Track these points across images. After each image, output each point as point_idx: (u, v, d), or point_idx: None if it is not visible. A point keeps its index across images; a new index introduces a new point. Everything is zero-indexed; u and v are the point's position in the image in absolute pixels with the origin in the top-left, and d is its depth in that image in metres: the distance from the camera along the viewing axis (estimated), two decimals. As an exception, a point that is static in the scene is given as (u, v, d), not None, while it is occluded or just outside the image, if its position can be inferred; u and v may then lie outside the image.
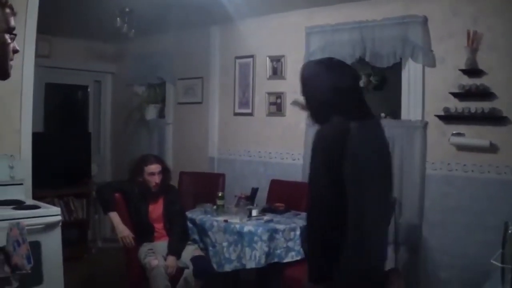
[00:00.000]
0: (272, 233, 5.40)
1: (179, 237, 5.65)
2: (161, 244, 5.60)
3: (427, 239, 5.77)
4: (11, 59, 2.07)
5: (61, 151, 7.73)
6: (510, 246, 2.61)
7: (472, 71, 5.46)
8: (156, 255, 5.40)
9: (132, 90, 9.04)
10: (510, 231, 2.71)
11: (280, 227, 5.49)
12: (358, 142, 2.92)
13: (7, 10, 2.01)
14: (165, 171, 5.92)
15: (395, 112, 6.18)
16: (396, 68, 6.11)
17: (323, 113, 3.12)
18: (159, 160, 6.05)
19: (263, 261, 5.30)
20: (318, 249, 3.08)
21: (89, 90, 9.51)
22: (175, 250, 5.50)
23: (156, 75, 8.65)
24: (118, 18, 6.73)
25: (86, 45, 8.99)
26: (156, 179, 5.77)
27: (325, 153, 3.05)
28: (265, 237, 5.32)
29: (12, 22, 2.03)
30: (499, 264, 2.56)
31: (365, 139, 3.01)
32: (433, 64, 5.79)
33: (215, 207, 6.10)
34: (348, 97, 3.10)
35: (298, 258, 5.45)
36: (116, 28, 6.78)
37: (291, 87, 6.92)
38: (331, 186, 2.97)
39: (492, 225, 4.67)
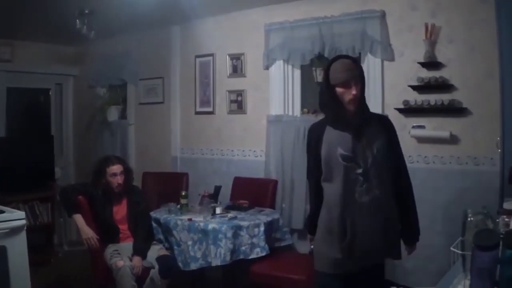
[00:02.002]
0: (237, 230, 5.42)
1: (144, 237, 5.63)
2: (127, 245, 5.57)
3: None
4: None
5: (24, 155, 7.62)
6: (470, 233, 2.64)
7: (431, 63, 5.52)
8: (121, 256, 5.37)
9: (93, 92, 8.96)
10: (469, 219, 2.74)
11: (244, 224, 5.50)
12: None
13: None
14: (127, 172, 5.88)
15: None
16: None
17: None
18: (121, 160, 6.01)
19: (228, 258, 5.31)
20: None
21: (50, 93, 9.42)
22: (140, 250, 5.47)
23: (117, 76, 8.59)
24: (77, 20, 6.68)
25: (48, 48, 8.92)
26: (119, 179, 5.73)
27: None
28: (229, 234, 5.34)
29: None
30: (459, 252, 2.59)
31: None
32: (392, 58, 5.84)
33: (179, 206, 6.10)
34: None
35: (263, 254, 5.49)
36: (76, 30, 6.73)
37: (252, 85, 6.96)
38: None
39: (455, 215, 4.71)
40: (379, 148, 3.53)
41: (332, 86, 3.49)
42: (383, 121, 3.80)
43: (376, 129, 3.62)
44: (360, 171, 3.48)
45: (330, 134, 3.58)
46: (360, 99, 3.54)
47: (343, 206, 3.50)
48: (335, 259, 3.55)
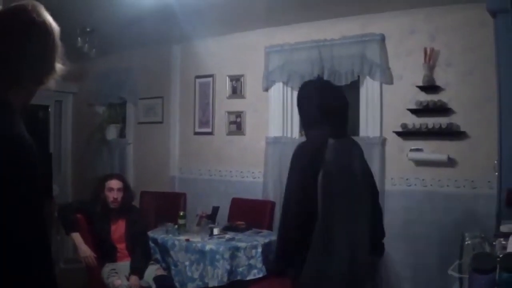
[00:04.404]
0: (234, 251, 5.41)
1: (141, 256, 5.61)
2: (124, 264, 5.57)
3: (388, 253, 5.79)
4: None
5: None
6: (467, 256, 2.65)
7: (429, 87, 5.56)
8: (119, 275, 5.37)
9: (93, 110, 8.96)
10: (466, 242, 2.75)
11: (242, 245, 5.50)
12: (333, 157, 3.39)
13: None
14: (126, 190, 5.90)
15: (353, 129, 6.24)
16: (354, 86, 6.18)
17: (308, 128, 3.71)
18: (121, 177, 6.04)
19: (225, 279, 5.30)
20: (289, 245, 3.45)
21: (50, 110, 9.43)
22: (137, 269, 5.46)
23: (117, 94, 8.59)
24: (79, 38, 6.71)
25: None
26: (115, 194, 5.75)
27: (303, 164, 3.46)
28: (227, 255, 5.33)
29: None
30: (457, 275, 2.60)
31: (339, 155, 3.46)
32: (390, 81, 5.88)
33: (176, 226, 6.09)
34: (330, 116, 3.54)
35: (260, 275, 5.48)
36: (77, 48, 6.75)
37: (251, 106, 6.97)
38: (306, 193, 3.36)
39: (452, 238, 4.70)
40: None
41: None
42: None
43: None
44: None
45: None
46: None
47: None
48: None
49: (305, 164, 3.47)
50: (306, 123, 3.81)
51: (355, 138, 5.77)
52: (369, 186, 3.74)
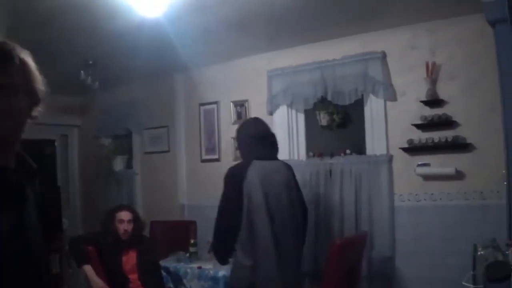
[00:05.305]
0: (247, 276, 5.38)
1: (155, 286, 5.60)
2: (137, 295, 5.55)
3: (400, 270, 5.80)
4: None
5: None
6: (480, 267, 2.65)
7: (433, 101, 5.56)
8: (132, 306, 5.36)
9: (98, 142, 9.00)
10: (479, 253, 2.75)
11: (255, 268, 5.46)
12: (254, 179, 4.35)
13: None
14: (136, 221, 5.87)
15: (360, 148, 6.25)
16: (359, 105, 6.19)
17: (242, 155, 4.85)
18: (131, 209, 6.03)
19: (239, 303, 5.30)
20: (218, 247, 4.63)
21: (56, 144, 9.46)
22: (151, 300, 5.45)
23: (122, 126, 8.64)
24: (82, 71, 6.76)
25: (51, 99, 8.92)
26: (125, 226, 5.72)
27: (228, 183, 4.50)
28: (240, 280, 5.30)
29: None
30: (471, 286, 2.59)
31: (261, 177, 4.39)
32: (394, 98, 5.88)
33: (188, 254, 6.08)
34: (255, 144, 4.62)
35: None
36: (80, 81, 6.80)
37: (256, 131, 6.98)
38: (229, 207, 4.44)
39: (464, 250, 4.70)
40: None
41: None
42: None
43: None
44: None
45: None
46: None
47: None
48: None
49: (230, 182, 4.49)
50: (240, 152, 4.96)
51: (361, 156, 5.84)
52: (297, 202, 4.65)
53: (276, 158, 4.74)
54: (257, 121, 4.93)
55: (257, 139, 4.65)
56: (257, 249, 4.32)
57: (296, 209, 4.61)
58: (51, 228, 2.02)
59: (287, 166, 4.76)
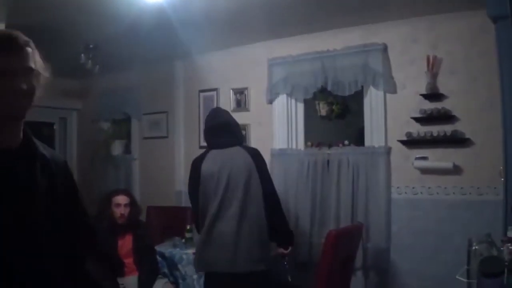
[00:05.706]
0: (242, 263, 5.39)
1: (149, 271, 5.58)
2: (131, 279, 5.54)
3: (395, 263, 5.81)
4: None
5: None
6: (475, 262, 2.66)
7: (433, 95, 5.56)
8: (126, 290, 5.36)
9: (97, 127, 8.98)
10: (474, 247, 2.76)
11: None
12: (209, 167, 4.80)
13: None
14: (133, 205, 5.85)
15: (358, 139, 6.25)
16: (358, 96, 6.20)
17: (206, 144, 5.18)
18: (128, 193, 6.02)
19: (233, 291, 5.33)
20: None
21: (55, 127, 9.45)
22: (145, 284, 5.44)
23: (121, 110, 8.63)
24: (82, 55, 6.75)
25: (52, 82, 8.94)
26: (122, 210, 5.70)
27: (190, 172, 5.03)
28: (234, 267, 5.32)
29: None
30: (465, 280, 2.60)
31: (216, 165, 4.78)
32: (394, 91, 5.88)
33: (183, 240, 6.10)
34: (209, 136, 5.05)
35: (270, 286, 5.48)
36: (80, 65, 6.79)
37: (255, 119, 6.98)
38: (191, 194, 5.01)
39: (459, 245, 4.71)
40: None
41: None
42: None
43: None
44: None
45: None
46: None
47: None
48: None
49: (191, 171, 5.02)
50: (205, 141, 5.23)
51: (359, 148, 5.83)
52: (256, 186, 4.80)
53: (235, 145, 4.94)
54: (216, 111, 5.30)
55: (213, 129, 5.01)
56: (204, 230, 4.77)
57: (254, 193, 4.77)
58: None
59: (251, 152, 4.98)
